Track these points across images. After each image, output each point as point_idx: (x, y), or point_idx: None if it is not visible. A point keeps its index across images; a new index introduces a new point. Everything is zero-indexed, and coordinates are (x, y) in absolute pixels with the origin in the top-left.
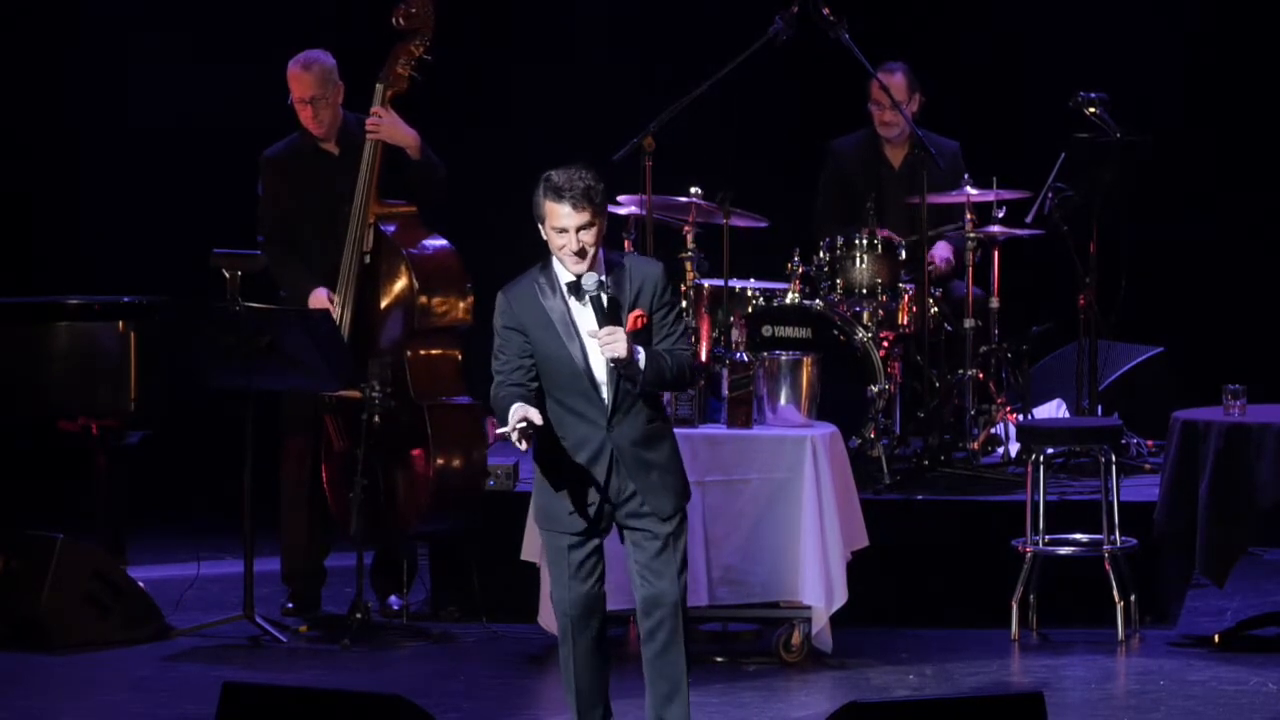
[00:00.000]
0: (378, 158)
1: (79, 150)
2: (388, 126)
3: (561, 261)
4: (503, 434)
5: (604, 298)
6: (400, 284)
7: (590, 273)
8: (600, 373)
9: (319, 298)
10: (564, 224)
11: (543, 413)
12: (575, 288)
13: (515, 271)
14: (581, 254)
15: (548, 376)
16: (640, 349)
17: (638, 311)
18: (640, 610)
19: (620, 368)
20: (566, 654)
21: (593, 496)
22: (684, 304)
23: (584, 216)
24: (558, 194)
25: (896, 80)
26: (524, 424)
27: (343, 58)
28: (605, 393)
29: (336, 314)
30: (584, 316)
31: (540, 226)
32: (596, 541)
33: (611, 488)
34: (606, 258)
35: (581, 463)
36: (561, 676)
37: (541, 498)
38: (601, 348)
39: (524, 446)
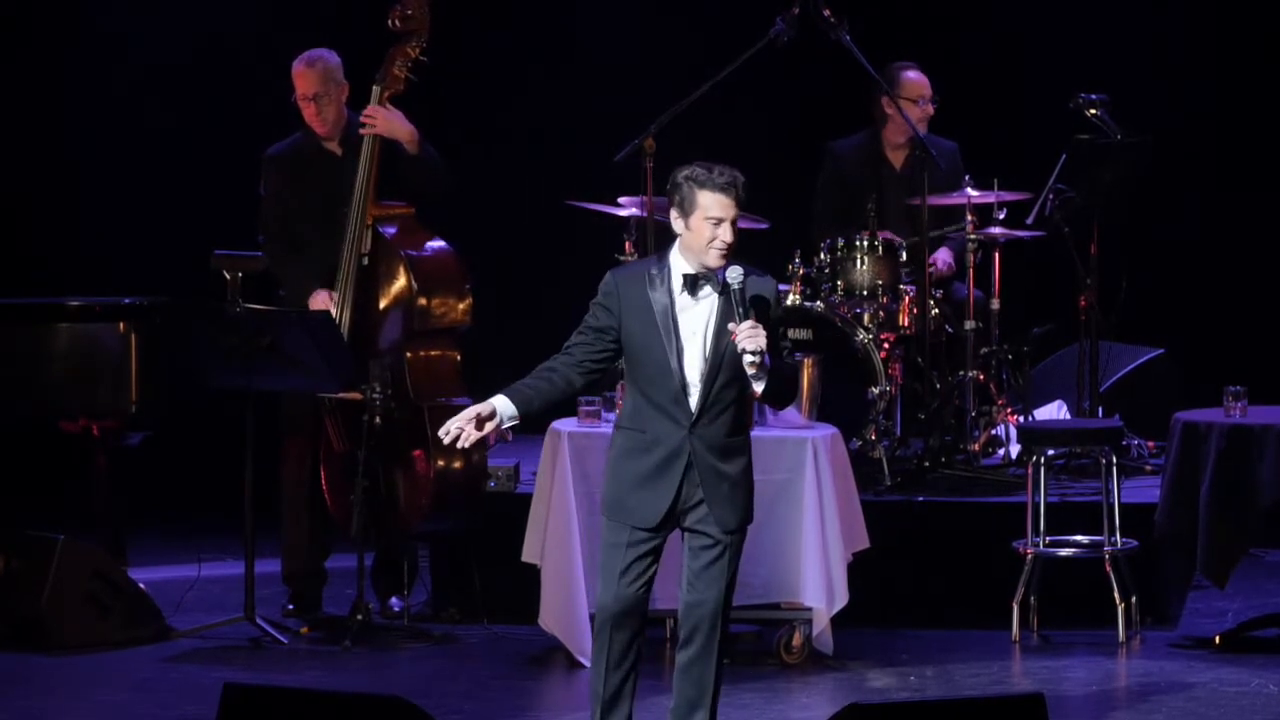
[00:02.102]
0: (375, 157)
1: (79, 150)
2: (383, 120)
3: (702, 255)
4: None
5: (746, 292)
6: (399, 285)
7: (736, 267)
8: (692, 373)
9: (319, 299)
10: (720, 214)
11: (633, 402)
12: (691, 283)
13: (515, 271)
14: (731, 248)
15: (637, 368)
16: (769, 355)
17: (751, 322)
18: (681, 615)
19: (752, 365)
20: (599, 651)
21: (663, 494)
22: None
23: (735, 209)
24: (720, 186)
25: (923, 77)
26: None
27: (342, 59)
28: (694, 394)
29: (336, 315)
30: (688, 316)
31: (677, 220)
32: (655, 544)
33: (683, 490)
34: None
35: (657, 459)
36: (590, 672)
37: (612, 487)
38: (742, 340)
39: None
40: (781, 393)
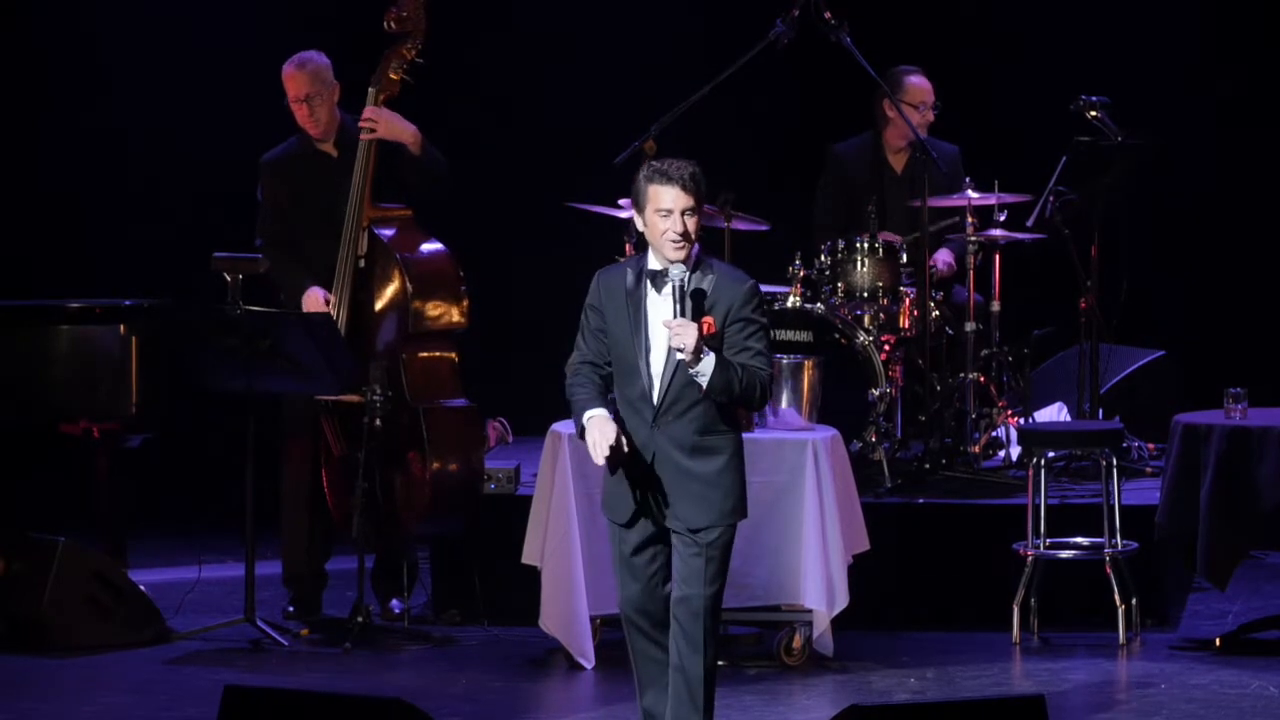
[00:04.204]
0: (371, 159)
1: (79, 151)
2: (385, 122)
3: (660, 248)
4: (595, 450)
5: (686, 288)
6: (394, 288)
7: (680, 264)
8: (656, 368)
9: (314, 297)
10: (669, 206)
11: (618, 397)
12: (652, 279)
13: (515, 272)
14: (685, 238)
15: (614, 362)
16: (710, 351)
17: (708, 319)
18: (671, 613)
19: (688, 364)
20: (628, 645)
21: (634, 490)
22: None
23: (689, 200)
24: (665, 177)
25: (927, 82)
26: (612, 449)
27: (336, 61)
28: (656, 390)
29: (332, 315)
30: (656, 310)
31: (638, 217)
32: (644, 539)
33: (651, 487)
34: (699, 258)
35: (627, 455)
36: None
37: (605, 482)
38: (671, 336)
39: (601, 462)
40: (733, 393)
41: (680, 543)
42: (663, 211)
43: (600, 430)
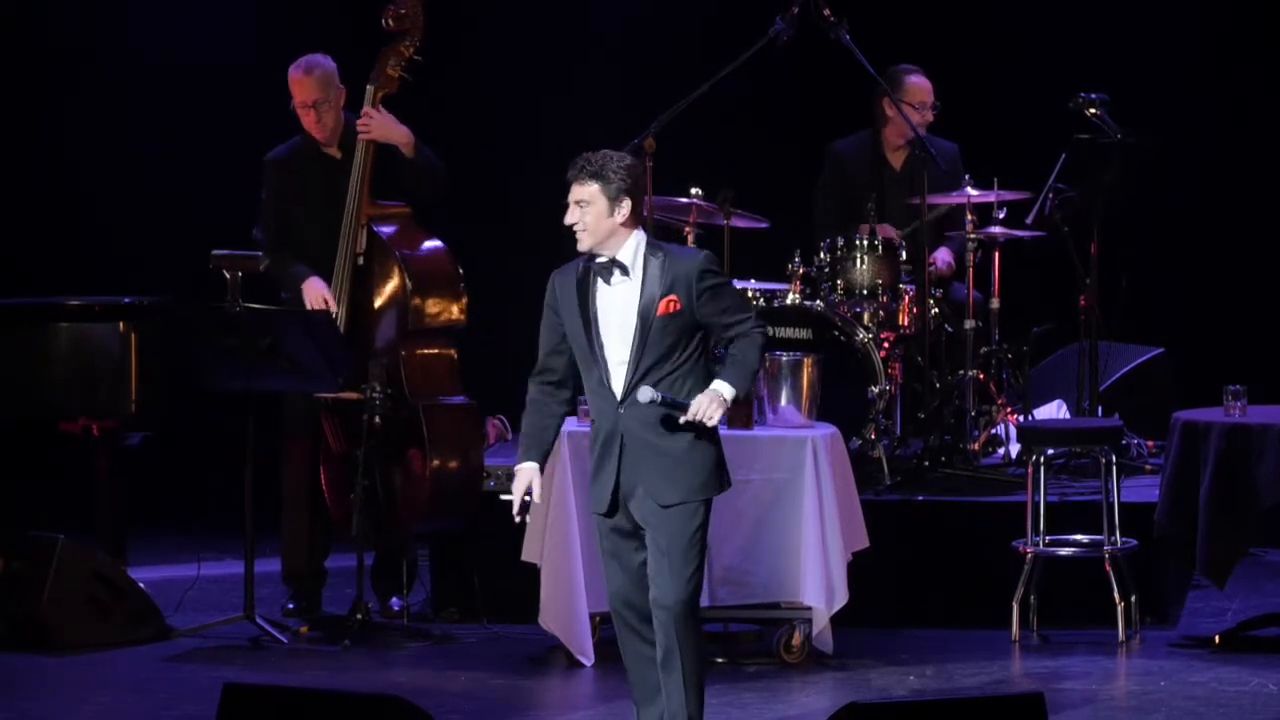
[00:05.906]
0: (369, 158)
1: (79, 150)
2: (379, 125)
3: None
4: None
5: (664, 399)
6: (393, 285)
7: (646, 387)
8: (612, 354)
9: (313, 287)
10: (571, 198)
11: (587, 391)
12: (603, 269)
13: (514, 271)
14: (583, 229)
15: (575, 353)
16: (725, 387)
17: (671, 298)
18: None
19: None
20: (621, 647)
21: (606, 478)
22: None
23: (582, 191)
24: (572, 170)
25: (926, 81)
26: (526, 499)
27: (335, 59)
28: (616, 374)
29: (332, 309)
30: (605, 301)
31: None
32: (624, 532)
33: (623, 471)
34: (649, 243)
35: (601, 443)
36: None
37: (589, 475)
38: (709, 421)
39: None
40: (757, 369)
41: (649, 538)
42: (570, 204)
43: (519, 484)
